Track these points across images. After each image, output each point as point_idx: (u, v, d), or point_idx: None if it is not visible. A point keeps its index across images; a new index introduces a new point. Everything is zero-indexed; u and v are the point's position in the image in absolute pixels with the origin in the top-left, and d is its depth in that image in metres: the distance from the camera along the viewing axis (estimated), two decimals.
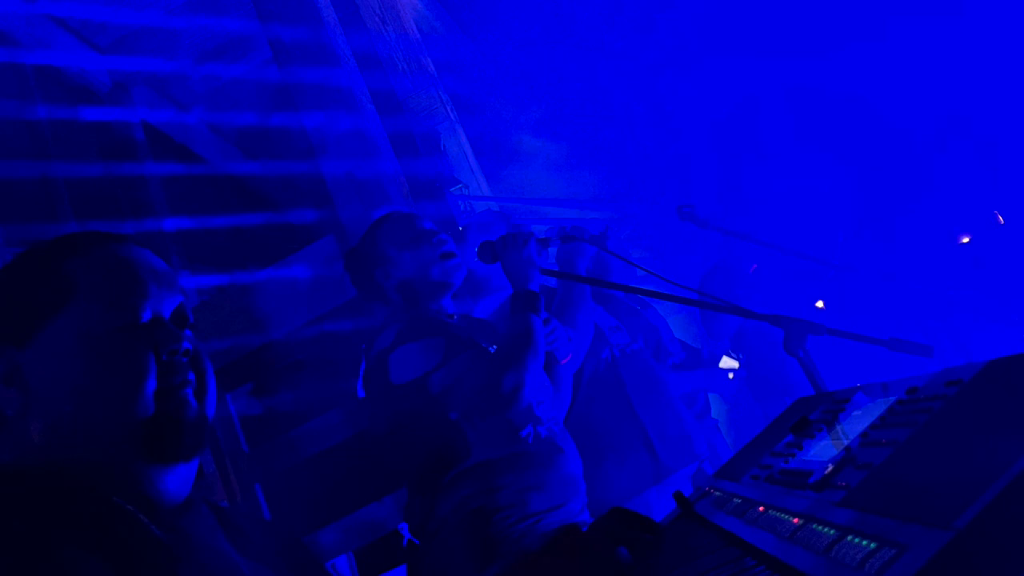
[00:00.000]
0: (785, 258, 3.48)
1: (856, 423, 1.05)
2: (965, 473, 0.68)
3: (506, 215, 2.84)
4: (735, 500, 1.17)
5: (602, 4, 6.06)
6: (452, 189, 3.51)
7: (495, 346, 2.00)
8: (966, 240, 4.36)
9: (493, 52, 5.92)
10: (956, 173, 4.60)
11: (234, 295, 3.13)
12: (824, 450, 1.05)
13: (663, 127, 6.11)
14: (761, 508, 1.01)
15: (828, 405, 1.25)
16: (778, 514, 0.93)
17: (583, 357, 2.49)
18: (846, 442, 1.00)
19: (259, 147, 4.85)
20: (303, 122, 3.08)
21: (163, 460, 0.99)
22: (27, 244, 1.14)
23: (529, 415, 1.91)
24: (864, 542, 0.68)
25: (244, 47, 4.44)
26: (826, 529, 0.77)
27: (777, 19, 5.31)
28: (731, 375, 3.28)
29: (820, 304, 4.18)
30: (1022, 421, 0.71)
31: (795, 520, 0.86)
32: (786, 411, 1.48)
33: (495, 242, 2.07)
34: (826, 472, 0.90)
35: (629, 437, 2.64)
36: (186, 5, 4.01)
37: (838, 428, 1.11)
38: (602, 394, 2.71)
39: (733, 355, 3.31)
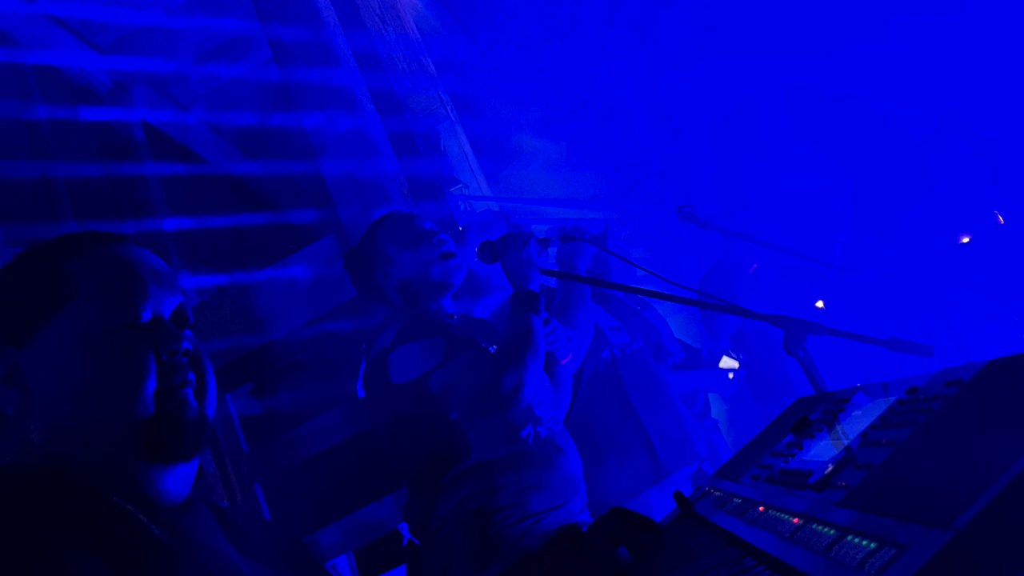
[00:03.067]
0: (785, 258, 3.49)
1: (856, 423, 1.05)
2: (965, 473, 0.68)
3: (506, 215, 2.84)
4: (735, 500, 1.16)
5: (602, 4, 6.06)
6: (452, 189, 3.51)
7: (495, 346, 2.00)
8: (966, 240, 4.36)
9: (493, 52, 5.92)
10: (956, 173, 4.60)
11: (234, 295, 3.12)
12: (824, 450, 1.05)
13: (663, 127, 6.11)
14: (761, 508, 1.01)
15: (828, 405, 1.25)
16: (778, 514, 0.93)
17: (583, 357, 2.49)
18: (846, 442, 1.00)
19: (259, 147, 4.85)
20: (303, 122, 3.08)
21: (163, 460, 0.99)
22: (27, 244, 1.14)
23: (529, 415, 1.91)
24: (864, 542, 0.68)
25: (244, 47, 4.44)
26: (826, 529, 0.77)
27: (776, 19, 5.32)
28: (731, 375, 3.28)
29: (820, 304, 4.17)
30: (1022, 421, 0.71)
31: (795, 520, 0.86)
32: (786, 411, 1.48)
33: (495, 242, 2.07)
34: (826, 472, 0.90)
35: (629, 437, 2.64)
36: (186, 5, 4.01)
37: (838, 428, 1.11)
38: (602, 394, 2.71)
39: (733, 355, 3.31)
